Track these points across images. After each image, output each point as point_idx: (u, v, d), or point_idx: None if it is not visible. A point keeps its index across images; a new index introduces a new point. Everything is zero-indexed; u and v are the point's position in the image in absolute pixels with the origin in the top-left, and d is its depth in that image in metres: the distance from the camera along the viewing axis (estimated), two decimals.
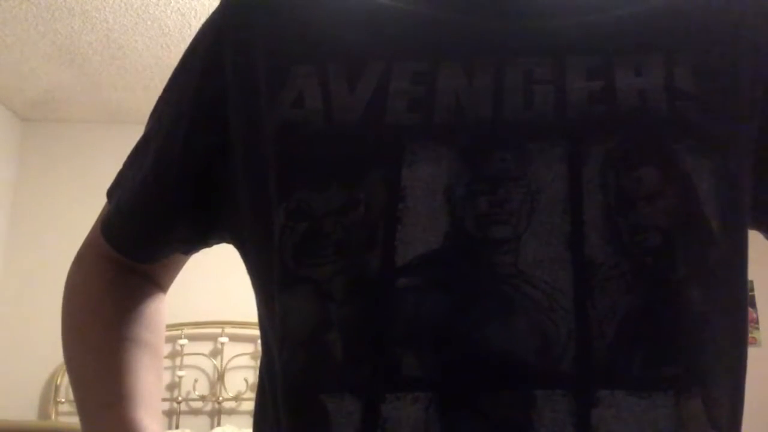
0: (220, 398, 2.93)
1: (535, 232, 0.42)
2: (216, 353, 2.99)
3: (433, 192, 0.42)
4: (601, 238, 0.42)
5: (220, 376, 2.96)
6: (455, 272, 0.42)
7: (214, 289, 2.89)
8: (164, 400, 2.93)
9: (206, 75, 0.52)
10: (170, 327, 2.90)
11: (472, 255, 0.42)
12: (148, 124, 0.59)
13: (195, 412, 2.96)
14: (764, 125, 0.48)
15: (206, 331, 2.98)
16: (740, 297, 0.48)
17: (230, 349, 2.97)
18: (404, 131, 0.44)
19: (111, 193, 0.61)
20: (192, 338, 2.96)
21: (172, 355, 2.96)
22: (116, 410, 0.56)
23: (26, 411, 2.88)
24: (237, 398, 2.95)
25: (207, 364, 3.00)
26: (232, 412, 2.96)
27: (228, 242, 0.57)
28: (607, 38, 0.46)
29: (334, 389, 0.41)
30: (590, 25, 0.47)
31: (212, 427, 2.89)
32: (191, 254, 0.62)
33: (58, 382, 2.87)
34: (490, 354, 0.40)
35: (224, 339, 2.96)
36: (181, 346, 2.93)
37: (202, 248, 0.60)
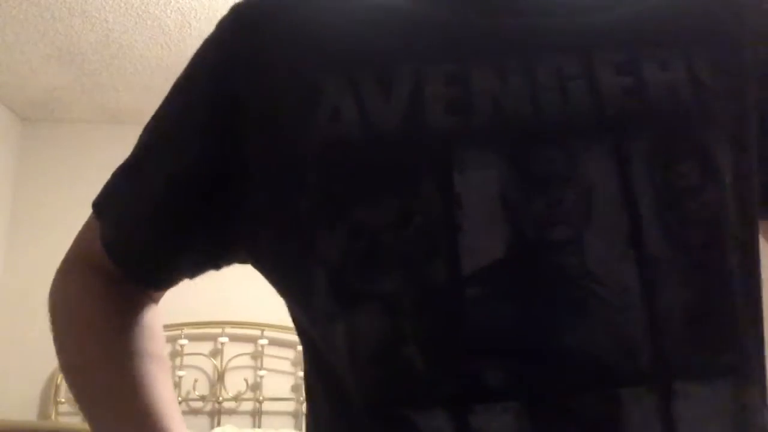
0: (220, 398, 2.93)
1: (595, 231, 0.41)
2: (216, 353, 2.99)
3: (489, 197, 0.42)
4: (658, 233, 0.42)
5: (220, 376, 2.96)
6: (524, 279, 0.41)
7: (214, 289, 2.89)
8: None
9: (215, 102, 0.50)
10: (170, 327, 2.90)
11: (537, 260, 0.41)
12: (145, 137, 0.57)
13: (195, 412, 2.95)
14: (763, 116, 0.50)
15: (206, 331, 2.98)
16: (760, 291, 0.49)
17: (230, 349, 2.97)
18: (448, 135, 0.43)
19: (102, 207, 0.59)
20: (192, 338, 2.95)
21: (172, 355, 2.95)
22: (140, 424, 0.54)
23: (26, 411, 2.87)
24: (237, 398, 2.95)
25: (207, 364, 3.00)
26: (232, 412, 2.96)
27: (241, 263, 0.55)
28: (630, 33, 0.47)
29: (419, 403, 0.41)
30: (612, 21, 0.47)
31: (212, 427, 2.89)
32: (194, 278, 0.60)
33: (58, 382, 2.87)
34: (571, 358, 0.40)
35: (224, 339, 2.96)
36: (181, 346, 2.93)
37: (209, 270, 0.58)
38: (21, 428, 2.54)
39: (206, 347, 3.01)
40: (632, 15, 0.48)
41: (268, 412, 2.96)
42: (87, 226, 0.62)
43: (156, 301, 0.64)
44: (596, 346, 0.40)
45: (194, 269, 0.58)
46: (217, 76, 0.51)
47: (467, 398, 0.40)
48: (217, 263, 0.57)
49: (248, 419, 2.96)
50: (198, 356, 2.98)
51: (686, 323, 0.42)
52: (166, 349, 3.09)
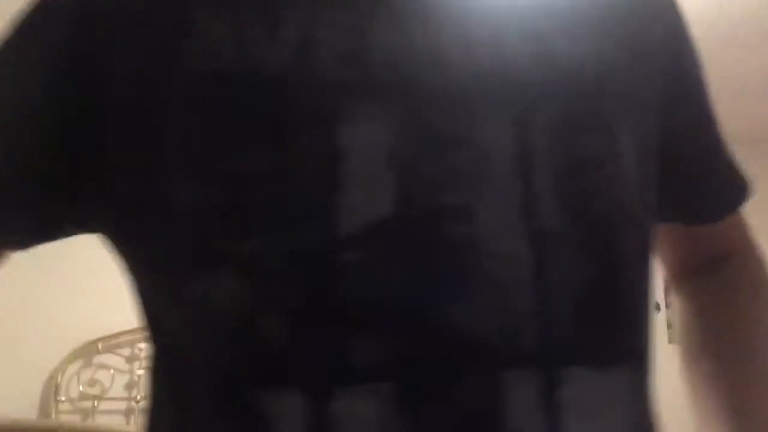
0: None
1: (487, 200, 0.39)
2: None
3: (376, 153, 0.38)
4: (554, 204, 0.40)
5: None
6: (407, 245, 0.38)
7: None
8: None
9: (69, 27, 0.44)
10: None
11: (423, 224, 0.38)
12: None
13: None
14: (666, 124, 0.49)
15: None
16: (651, 283, 0.47)
17: None
18: (338, 86, 0.39)
19: None
20: None
21: None
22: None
23: (26, 411, 2.87)
24: None
25: None
26: None
27: (87, 231, 0.47)
28: (541, 3, 0.45)
29: (271, 382, 0.36)
30: None
31: None
32: (28, 249, 0.50)
33: (59, 381, 2.87)
34: (452, 335, 0.37)
35: None
36: None
37: (47, 242, 0.49)
38: (21, 427, 2.54)
39: None
40: None
41: None
42: None
43: None
44: (481, 324, 0.37)
45: (28, 237, 0.48)
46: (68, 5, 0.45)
47: (330, 378, 0.36)
48: (57, 231, 0.48)
49: None
50: None
51: (580, 303, 0.39)
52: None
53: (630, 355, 0.42)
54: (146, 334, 0.45)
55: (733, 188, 0.59)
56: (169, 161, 0.40)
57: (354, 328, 0.37)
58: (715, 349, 0.57)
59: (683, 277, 0.63)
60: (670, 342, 3.56)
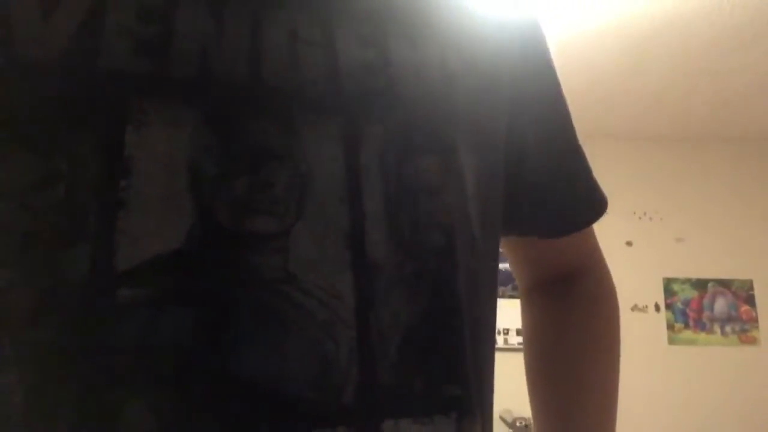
0: None
1: (307, 226, 0.33)
2: None
3: (172, 167, 0.31)
4: (383, 234, 0.35)
5: None
6: (205, 279, 0.31)
7: None
8: None
9: None
10: None
11: (226, 256, 0.31)
12: None
13: None
14: (513, 128, 0.45)
15: None
16: (494, 312, 0.43)
17: None
18: (128, 81, 0.32)
19: None
20: None
21: None
22: None
23: None
24: None
25: None
26: None
27: None
28: (381, 6, 0.40)
29: None
30: None
31: None
32: None
33: None
34: (254, 388, 0.30)
35: None
36: None
37: None
38: None
39: None
40: None
41: None
42: None
43: None
44: (291, 373, 0.31)
45: None
46: None
47: None
48: None
49: None
50: None
51: (405, 347, 0.34)
52: None
53: (456, 403, 0.36)
54: None
55: (588, 203, 0.55)
56: None
57: (124, 384, 0.29)
58: (550, 370, 0.55)
59: (532, 289, 0.59)
60: (670, 343, 3.54)
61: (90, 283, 0.30)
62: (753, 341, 3.12)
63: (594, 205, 0.55)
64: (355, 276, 0.34)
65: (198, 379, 0.30)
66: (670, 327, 3.15)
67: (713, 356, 3.07)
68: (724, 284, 3.21)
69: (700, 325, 3.16)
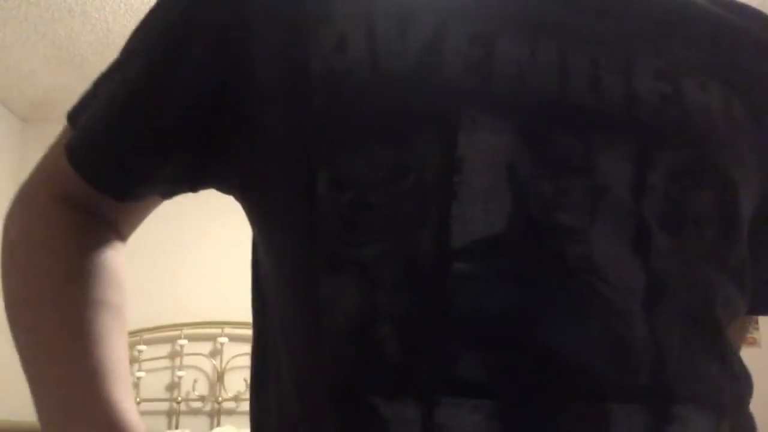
0: (220, 398, 2.92)
1: (602, 229, 0.38)
2: (216, 353, 2.99)
3: (495, 166, 0.37)
4: (666, 248, 0.39)
5: (220, 377, 2.96)
6: (521, 261, 0.37)
7: (213, 289, 2.89)
8: (163, 400, 2.92)
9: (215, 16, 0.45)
10: (170, 327, 2.90)
11: (539, 242, 0.37)
12: (132, 44, 0.50)
13: (194, 412, 2.95)
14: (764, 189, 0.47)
15: (206, 331, 2.97)
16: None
17: (230, 350, 2.97)
18: (461, 92, 0.39)
19: (75, 116, 0.51)
20: (191, 338, 2.95)
21: (172, 356, 2.95)
22: (88, 387, 0.47)
23: (26, 411, 2.87)
24: (236, 399, 2.95)
25: (206, 364, 3.00)
26: (231, 412, 2.96)
27: (223, 190, 0.49)
28: (676, 39, 0.44)
29: (388, 391, 0.36)
30: (659, 20, 0.45)
31: (212, 427, 2.89)
32: (168, 198, 0.52)
33: None
34: (562, 360, 0.36)
35: (224, 339, 2.95)
36: (181, 346, 2.92)
37: (185, 192, 0.51)
38: (21, 428, 2.53)
39: (206, 347, 3.00)
40: (669, 16, 0.45)
41: None
42: (54, 146, 0.53)
43: (124, 237, 0.55)
44: (594, 352, 0.36)
45: (171, 185, 0.50)
46: None
47: (437, 389, 0.35)
48: (196, 183, 0.50)
49: (248, 419, 2.96)
50: (198, 356, 2.97)
51: (684, 344, 0.39)
52: (165, 348, 3.07)
53: (715, 398, 0.40)
54: (256, 316, 0.50)
55: None
56: (310, 155, 0.40)
57: (462, 340, 0.36)
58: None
59: None
60: None
61: (432, 258, 0.36)
62: (753, 342, 3.12)
63: None
64: (646, 275, 0.38)
65: (516, 345, 0.36)
66: None
67: None
68: None
69: None
